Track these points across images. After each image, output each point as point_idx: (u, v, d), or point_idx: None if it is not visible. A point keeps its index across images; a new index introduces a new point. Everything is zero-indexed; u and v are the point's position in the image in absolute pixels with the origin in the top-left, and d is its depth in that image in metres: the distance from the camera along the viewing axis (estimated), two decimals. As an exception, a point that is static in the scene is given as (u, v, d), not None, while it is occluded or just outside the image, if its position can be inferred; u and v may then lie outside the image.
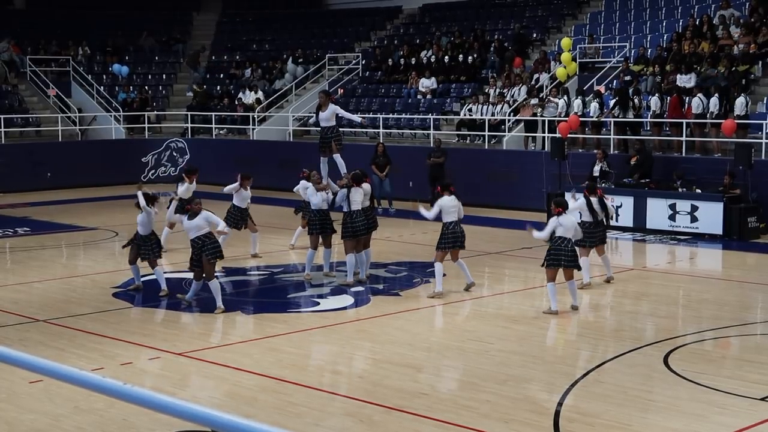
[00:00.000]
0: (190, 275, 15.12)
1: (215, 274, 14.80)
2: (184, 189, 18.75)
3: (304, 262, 17.36)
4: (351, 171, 16.94)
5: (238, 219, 18.84)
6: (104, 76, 37.69)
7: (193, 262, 14.62)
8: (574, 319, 14.10)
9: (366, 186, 16.68)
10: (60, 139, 32.98)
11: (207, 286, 14.62)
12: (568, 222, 14.38)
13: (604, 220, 16.32)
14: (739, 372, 11.22)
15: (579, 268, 14.78)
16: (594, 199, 16.12)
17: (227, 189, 18.88)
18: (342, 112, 17.77)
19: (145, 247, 15.60)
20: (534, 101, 27.57)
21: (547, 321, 14.08)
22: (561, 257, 14.21)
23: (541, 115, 27.17)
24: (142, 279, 16.07)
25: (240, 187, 18.72)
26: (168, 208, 17.07)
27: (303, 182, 18.06)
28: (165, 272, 16.10)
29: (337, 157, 17.40)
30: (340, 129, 18.79)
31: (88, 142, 33.96)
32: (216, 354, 12.06)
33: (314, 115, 18.17)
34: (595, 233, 16.20)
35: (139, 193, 15.64)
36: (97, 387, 3.97)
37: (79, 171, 31.84)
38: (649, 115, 25.58)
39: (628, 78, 26.59)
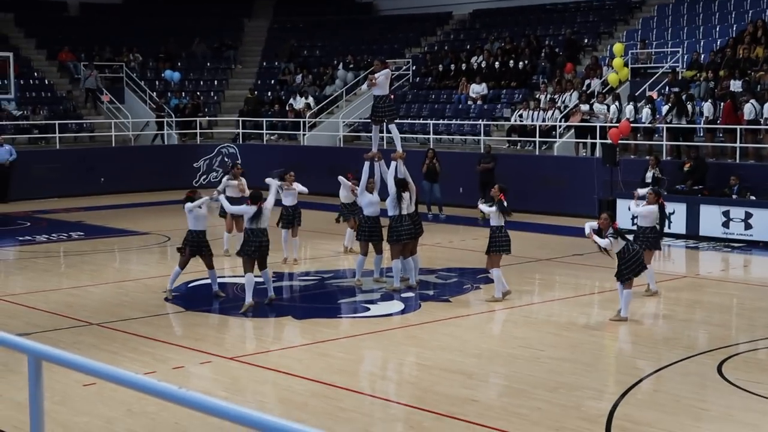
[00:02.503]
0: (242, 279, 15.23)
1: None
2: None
3: (354, 268, 17.38)
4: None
5: (283, 217, 19.03)
6: (156, 82, 38.08)
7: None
8: (625, 327, 13.97)
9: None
10: (113, 145, 33.34)
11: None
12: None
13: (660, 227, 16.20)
14: (795, 381, 11.06)
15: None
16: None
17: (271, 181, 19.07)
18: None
19: (201, 243, 15.69)
20: (585, 107, 27.41)
21: (599, 328, 13.98)
22: (641, 264, 14.22)
23: (590, 121, 26.97)
24: (190, 285, 16.23)
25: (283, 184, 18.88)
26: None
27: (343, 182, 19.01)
28: (224, 276, 16.18)
29: (393, 127, 17.03)
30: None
31: (140, 148, 34.30)
32: (267, 359, 12.11)
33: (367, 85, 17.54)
34: (656, 237, 16.06)
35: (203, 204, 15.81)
36: (151, 390, 4.01)
37: (131, 176, 32.15)
38: (702, 121, 25.31)
39: (676, 89, 26.25)
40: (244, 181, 19.60)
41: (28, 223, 25.27)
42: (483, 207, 15.95)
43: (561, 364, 11.83)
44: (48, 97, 35.86)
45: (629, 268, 14.07)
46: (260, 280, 15.17)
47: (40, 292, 16.46)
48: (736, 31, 29.30)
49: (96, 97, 35.87)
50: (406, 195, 16.32)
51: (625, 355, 12.81)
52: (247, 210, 14.94)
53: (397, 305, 15.43)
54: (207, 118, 36.84)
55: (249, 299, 14.78)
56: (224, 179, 19.70)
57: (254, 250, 14.80)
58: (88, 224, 25.19)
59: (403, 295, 16.05)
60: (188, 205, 15.58)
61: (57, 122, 32.35)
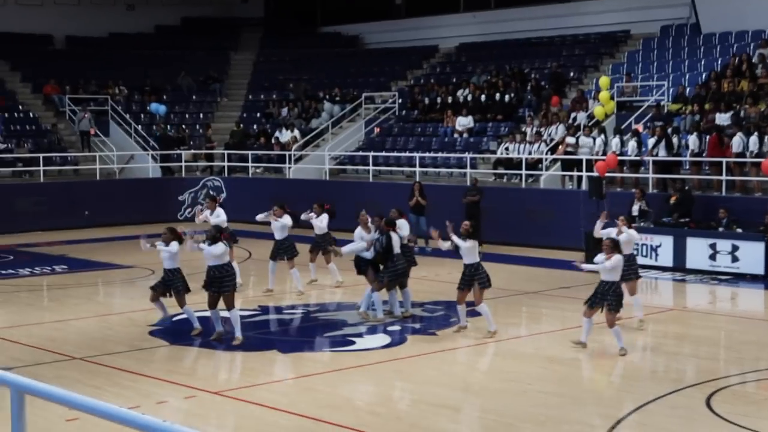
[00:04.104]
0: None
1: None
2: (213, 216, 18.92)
3: (337, 301, 17.35)
4: (388, 210, 17.14)
5: (273, 251, 19.01)
6: (142, 115, 38.06)
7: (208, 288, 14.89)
8: (612, 360, 13.95)
9: (402, 223, 16.86)
10: (98, 178, 33.27)
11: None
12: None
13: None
14: (783, 415, 11.05)
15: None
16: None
17: (259, 217, 18.99)
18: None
19: (171, 281, 15.58)
20: (571, 140, 27.49)
21: (587, 362, 13.95)
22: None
23: (576, 154, 27.03)
24: (174, 319, 16.15)
25: (270, 217, 18.78)
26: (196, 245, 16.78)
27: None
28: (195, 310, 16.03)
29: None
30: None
31: (124, 181, 34.22)
32: (252, 393, 12.04)
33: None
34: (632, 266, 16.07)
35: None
36: (135, 424, 3.97)
37: (116, 209, 32.06)
38: (688, 154, 25.42)
39: (661, 123, 26.36)
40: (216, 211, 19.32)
41: (11, 257, 25.14)
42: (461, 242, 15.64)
43: (548, 397, 11.80)
44: (32, 131, 35.79)
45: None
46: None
47: (23, 326, 16.36)
48: (721, 64, 29.52)
49: (89, 138, 35.51)
50: (396, 236, 16.40)
51: (612, 389, 12.78)
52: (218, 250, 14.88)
53: (383, 339, 15.38)
54: (192, 151, 36.80)
55: (219, 327, 14.98)
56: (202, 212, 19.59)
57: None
58: (72, 257, 25.09)
59: (389, 328, 16.01)
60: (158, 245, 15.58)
61: (41, 155, 32.26)
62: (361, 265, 16.89)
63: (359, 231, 17.27)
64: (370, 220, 17.19)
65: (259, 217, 18.97)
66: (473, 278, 15.09)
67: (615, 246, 14.15)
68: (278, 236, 18.95)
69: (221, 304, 14.89)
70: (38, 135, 35.46)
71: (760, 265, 20.99)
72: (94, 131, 35.34)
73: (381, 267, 16.44)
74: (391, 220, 16.68)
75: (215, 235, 14.75)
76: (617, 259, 13.95)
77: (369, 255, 16.60)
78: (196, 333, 15.41)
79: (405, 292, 16.94)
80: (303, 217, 19.73)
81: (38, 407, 9.85)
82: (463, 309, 15.52)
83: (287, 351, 14.77)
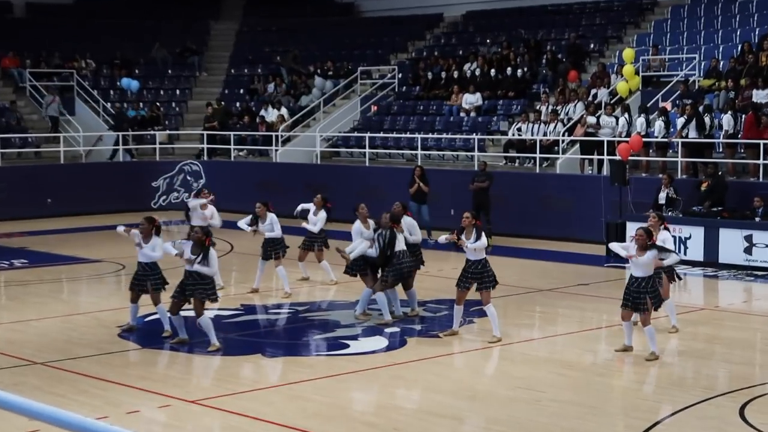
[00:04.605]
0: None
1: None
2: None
3: (329, 299, 17.37)
4: (392, 202, 17.28)
5: (264, 250, 19.05)
6: (111, 92, 38.03)
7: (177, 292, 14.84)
8: (636, 365, 13.97)
9: (411, 223, 16.96)
10: (62, 162, 33.24)
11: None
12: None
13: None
14: (826, 426, 11.08)
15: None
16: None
17: (241, 224, 19.12)
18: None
19: (148, 278, 15.56)
20: (591, 119, 27.49)
21: (606, 367, 14.00)
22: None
23: (597, 135, 27.03)
24: (146, 319, 16.18)
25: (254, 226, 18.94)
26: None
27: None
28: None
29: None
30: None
31: (92, 165, 34.18)
32: (233, 402, 12.05)
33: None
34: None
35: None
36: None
37: (82, 197, 32.02)
38: (722, 135, 25.43)
39: (691, 100, 26.35)
40: (212, 209, 19.62)
41: (-34, 250, 25.19)
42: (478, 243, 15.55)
43: (564, 407, 11.82)
44: (-12, 109, 35.82)
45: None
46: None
47: (-22, 327, 16.39)
48: (759, 35, 29.50)
49: (58, 123, 35.37)
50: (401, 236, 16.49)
51: (635, 397, 12.80)
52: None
53: (380, 341, 15.40)
54: (168, 131, 36.78)
55: (183, 335, 15.02)
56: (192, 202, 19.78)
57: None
58: (33, 251, 25.11)
59: (387, 330, 16.03)
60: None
61: (-1, 136, 32.29)
62: (359, 264, 16.90)
63: (358, 226, 17.33)
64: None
65: (242, 224, 19.06)
66: (478, 277, 15.09)
67: (648, 236, 14.11)
68: (267, 235, 19.00)
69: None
70: (-6, 114, 35.46)
71: (801, 260, 21.04)
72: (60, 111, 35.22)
73: (382, 267, 16.48)
74: (396, 216, 16.69)
75: (201, 239, 14.66)
76: (652, 255, 13.90)
77: (374, 252, 16.61)
78: (165, 335, 15.43)
79: (410, 293, 17.02)
80: (301, 207, 19.87)
81: (-6, 417, 9.85)
82: (460, 311, 15.55)
83: (273, 355, 14.80)
